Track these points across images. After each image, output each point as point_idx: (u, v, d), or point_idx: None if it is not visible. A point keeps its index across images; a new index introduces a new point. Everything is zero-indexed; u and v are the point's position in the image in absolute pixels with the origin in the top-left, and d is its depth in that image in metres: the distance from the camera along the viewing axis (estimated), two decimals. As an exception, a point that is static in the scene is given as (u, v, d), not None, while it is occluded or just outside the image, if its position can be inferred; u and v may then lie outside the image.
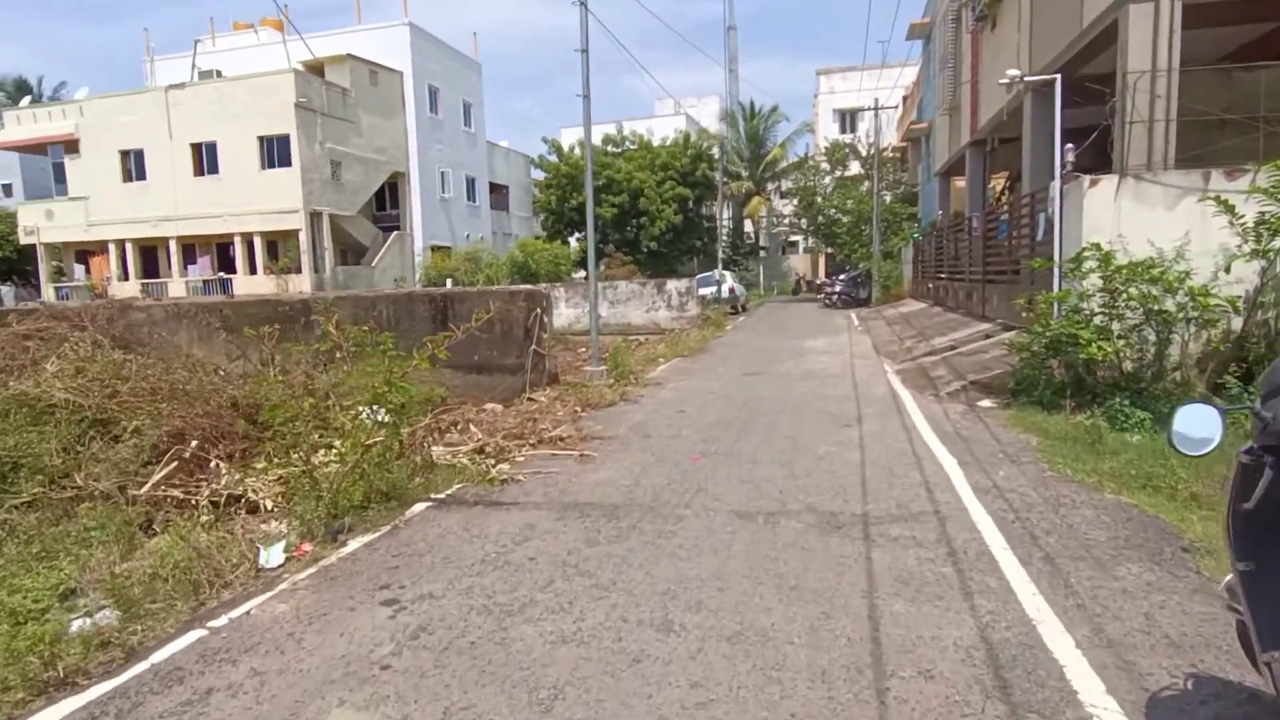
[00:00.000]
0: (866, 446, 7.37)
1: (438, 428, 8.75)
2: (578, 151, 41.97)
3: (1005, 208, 14.64)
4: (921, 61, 29.97)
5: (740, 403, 9.94)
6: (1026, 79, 10.56)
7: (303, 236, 28.30)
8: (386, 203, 34.81)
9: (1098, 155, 10.88)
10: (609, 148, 42.34)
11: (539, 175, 43.30)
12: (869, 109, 28.57)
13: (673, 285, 25.09)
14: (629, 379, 12.04)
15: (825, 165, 37.14)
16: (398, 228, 33.92)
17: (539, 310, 11.18)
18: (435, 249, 34.11)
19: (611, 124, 44.45)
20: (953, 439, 7.62)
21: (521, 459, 7.33)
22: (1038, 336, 8.64)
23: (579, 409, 9.95)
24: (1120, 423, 7.70)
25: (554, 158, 41.76)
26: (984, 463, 6.68)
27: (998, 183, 21.00)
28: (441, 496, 6.12)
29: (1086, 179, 9.14)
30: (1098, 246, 8.44)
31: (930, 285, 21.49)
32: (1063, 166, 9.83)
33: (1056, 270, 9.68)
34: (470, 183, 38.23)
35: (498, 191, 42.65)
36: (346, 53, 30.48)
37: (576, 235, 43.63)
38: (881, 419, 8.66)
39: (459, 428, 9.21)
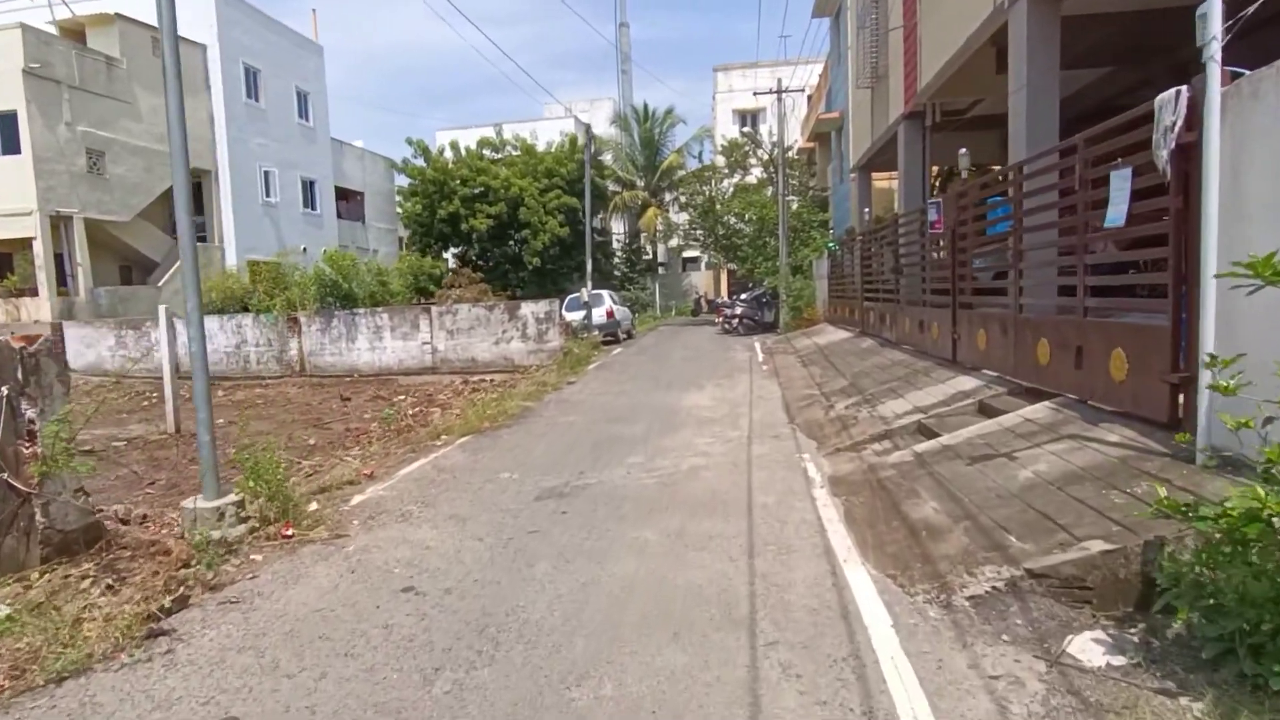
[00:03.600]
0: None
1: None
2: (448, 154, 35.22)
3: (996, 182, 8.86)
4: (830, 45, 24.78)
5: (445, 648, 3.57)
6: None
7: (39, 246, 20.43)
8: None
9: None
10: (486, 151, 35.75)
11: (405, 182, 36.39)
12: (772, 92, 23.00)
13: (529, 310, 18.68)
14: (283, 525, 5.47)
15: (723, 165, 31.44)
16: (205, 238, 26.27)
17: (4, 392, 4.53)
18: (257, 265, 26.58)
19: (490, 126, 37.88)
20: None
21: None
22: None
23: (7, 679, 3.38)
24: None
25: (420, 161, 34.92)
26: None
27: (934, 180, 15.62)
28: None
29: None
30: None
31: (854, 308, 15.83)
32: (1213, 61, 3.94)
33: (1213, 289, 3.82)
34: (308, 186, 30.80)
35: (350, 199, 35.30)
36: (114, 11, 22.83)
37: (452, 250, 36.84)
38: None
39: None
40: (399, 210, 37.84)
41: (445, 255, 38.10)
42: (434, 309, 19.08)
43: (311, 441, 11.38)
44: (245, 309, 20.27)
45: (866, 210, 16.44)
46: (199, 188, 26.54)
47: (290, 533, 5.32)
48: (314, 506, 5.98)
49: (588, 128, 22.31)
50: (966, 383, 7.71)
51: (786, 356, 15.58)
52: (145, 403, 18.01)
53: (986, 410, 6.67)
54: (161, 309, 12.21)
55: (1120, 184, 5.02)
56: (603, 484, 6.43)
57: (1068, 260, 6.04)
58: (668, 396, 11.27)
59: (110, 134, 22.23)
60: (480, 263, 35.66)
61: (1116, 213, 5.06)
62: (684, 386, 12.30)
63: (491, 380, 17.15)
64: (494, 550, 4.89)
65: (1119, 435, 4.89)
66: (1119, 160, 5.07)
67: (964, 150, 8.32)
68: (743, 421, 9.05)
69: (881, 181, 20.19)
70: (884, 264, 13.03)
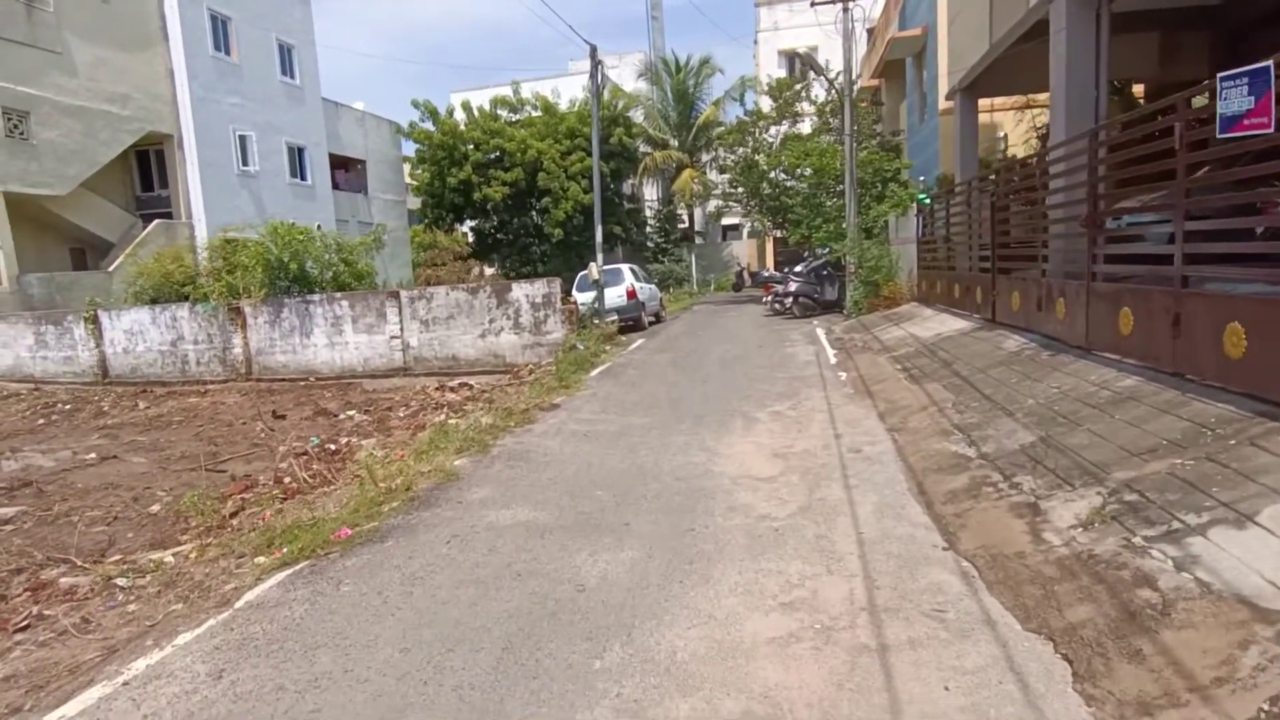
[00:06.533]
0: None
1: None
2: (459, 115, 30.47)
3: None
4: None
5: None
6: None
7: (-59, 227, 16.56)
8: (155, 181, 23.04)
9: None
10: (502, 112, 30.84)
11: (414, 150, 31.62)
12: (835, 0, 17.40)
13: (522, 293, 13.99)
14: None
15: (769, 110, 25.86)
16: (169, 213, 22.22)
17: None
18: (230, 243, 22.42)
19: (506, 85, 32.96)
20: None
21: None
22: None
23: None
24: None
25: (429, 124, 30.20)
26: None
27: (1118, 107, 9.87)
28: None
29: None
30: None
31: (970, 285, 10.68)
32: None
33: None
34: (297, 153, 26.43)
35: (351, 168, 30.88)
36: (35, -57, 18.59)
37: (469, 223, 32.34)
38: None
39: None
40: (409, 180, 33.36)
41: (462, 229, 33.60)
42: (403, 294, 14.53)
43: (154, 509, 7.33)
44: (186, 298, 16.11)
45: (1001, 134, 11.16)
46: (159, 155, 22.45)
47: None
48: None
49: (593, 49, 17.07)
50: None
51: (872, 357, 10.55)
52: (42, 420, 14.05)
53: None
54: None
55: None
56: None
57: None
58: (693, 448, 6.46)
59: (34, 91, 18.10)
60: (499, 236, 31.15)
61: None
62: (722, 419, 7.47)
63: (473, 385, 12.71)
64: None
65: None
66: None
67: None
68: (840, 536, 4.23)
69: (984, 114, 14.79)
70: (1045, 216, 7.93)
